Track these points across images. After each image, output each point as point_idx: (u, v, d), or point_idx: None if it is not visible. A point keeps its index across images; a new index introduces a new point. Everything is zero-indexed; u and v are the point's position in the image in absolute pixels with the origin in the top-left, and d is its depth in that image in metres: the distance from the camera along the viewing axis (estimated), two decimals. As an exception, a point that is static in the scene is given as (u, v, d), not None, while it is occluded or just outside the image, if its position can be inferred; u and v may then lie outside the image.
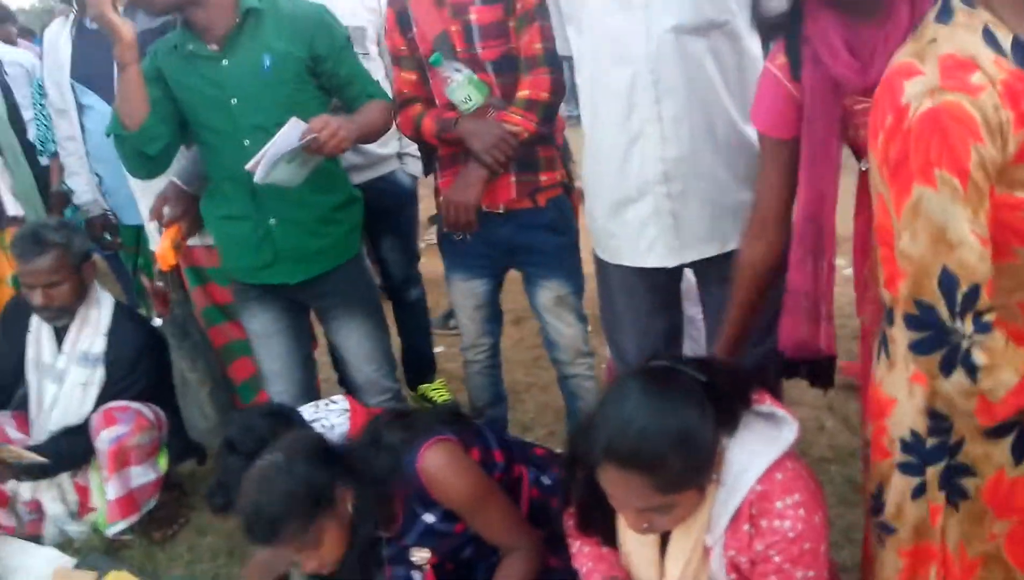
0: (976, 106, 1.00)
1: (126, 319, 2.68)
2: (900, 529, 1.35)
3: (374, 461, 1.72)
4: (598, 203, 1.95)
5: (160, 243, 2.42)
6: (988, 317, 1.07)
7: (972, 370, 1.06)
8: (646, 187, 1.81)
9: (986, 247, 1.04)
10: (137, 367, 2.63)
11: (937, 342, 1.07)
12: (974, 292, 1.04)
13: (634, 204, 1.85)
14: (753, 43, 1.77)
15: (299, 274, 2.29)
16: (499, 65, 2.17)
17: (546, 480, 1.94)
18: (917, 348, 1.10)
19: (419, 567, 1.81)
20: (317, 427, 2.11)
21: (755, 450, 1.36)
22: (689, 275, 2.09)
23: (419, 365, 3.36)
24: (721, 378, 1.39)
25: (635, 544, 1.48)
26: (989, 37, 1.04)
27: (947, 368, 1.08)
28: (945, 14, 1.07)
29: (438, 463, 1.68)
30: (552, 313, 2.44)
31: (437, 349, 3.60)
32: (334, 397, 2.29)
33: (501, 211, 2.27)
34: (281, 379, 2.49)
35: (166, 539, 2.68)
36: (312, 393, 2.56)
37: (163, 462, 2.67)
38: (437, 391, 3.36)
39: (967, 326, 1.05)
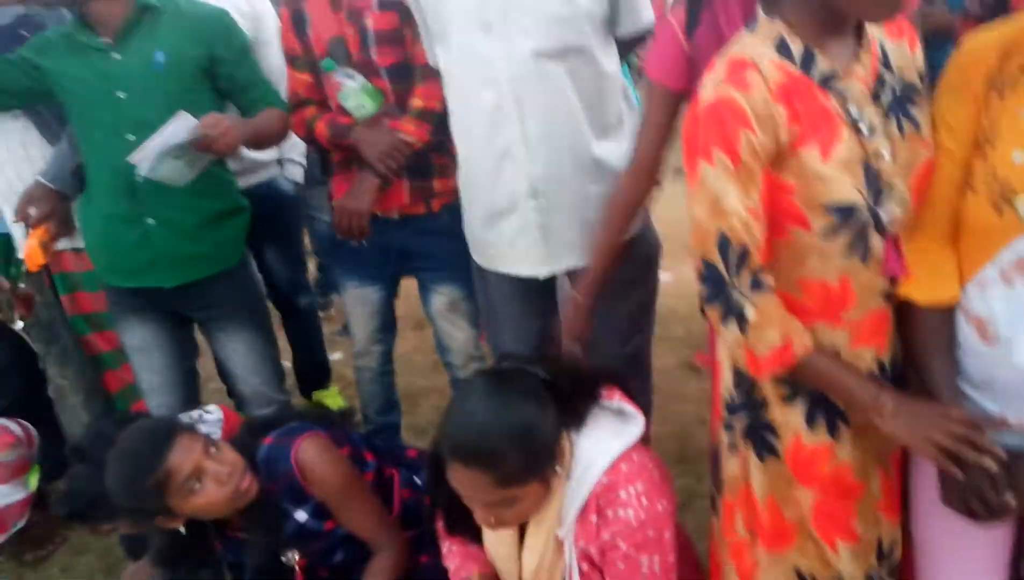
0: (747, 100, 1.16)
1: (-9, 330, 2.56)
2: (725, 483, 1.47)
3: (253, 451, 1.74)
4: (473, 215, 1.99)
5: (27, 243, 2.30)
6: (764, 278, 1.23)
7: (742, 322, 1.23)
8: (516, 201, 1.85)
9: (754, 217, 1.20)
10: (4, 381, 2.52)
11: (718, 294, 1.24)
12: (744, 254, 1.21)
13: (505, 217, 1.89)
14: (610, 62, 1.84)
15: (176, 278, 2.21)
16: (394, 72, 2.16)
17: (418, 480, 1.95)
18: (707, 300, 1.27)
19: (289, 568, 1.80)
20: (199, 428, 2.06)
21: (602, 445, 1.42)
22: (564, 283, 2.13)
23: (313, 373, 3.31)
24: (566, 376, 1.45)
25: (495, 540, 1.51)
26: (782, 45, 1.21)
27: (725, 318, 1.25)
28: (753, 23, 1.26)
29: (312, 453, 1.72)
30: (445, 318, 2.45)
31: (334, 355, 3.57)
32: (208, 407, 2.25)
33: (395, 217, 2.27)
34: (160, 393, 2.40)
35: (38, 560, 2.57)
36: (194, 404, 2.49)
37: (33, 480, 2.55)
38: (331, 398, 3.32)
39: (743, 283, 1.22)
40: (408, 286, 2.57)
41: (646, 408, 1.58)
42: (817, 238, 1.23)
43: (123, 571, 2.44)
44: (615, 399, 1.49)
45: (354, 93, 2.12)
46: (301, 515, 1.76)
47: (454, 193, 2.29)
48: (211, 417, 2.15)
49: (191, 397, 2.52)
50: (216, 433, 2.07)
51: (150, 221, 2.15)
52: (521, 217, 1.86)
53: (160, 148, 1.92)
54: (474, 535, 1.59)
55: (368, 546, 1.80)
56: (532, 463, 1.34)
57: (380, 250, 2.33)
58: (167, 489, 1.59)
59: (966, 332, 1.26)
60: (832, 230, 1.22)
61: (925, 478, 1.34)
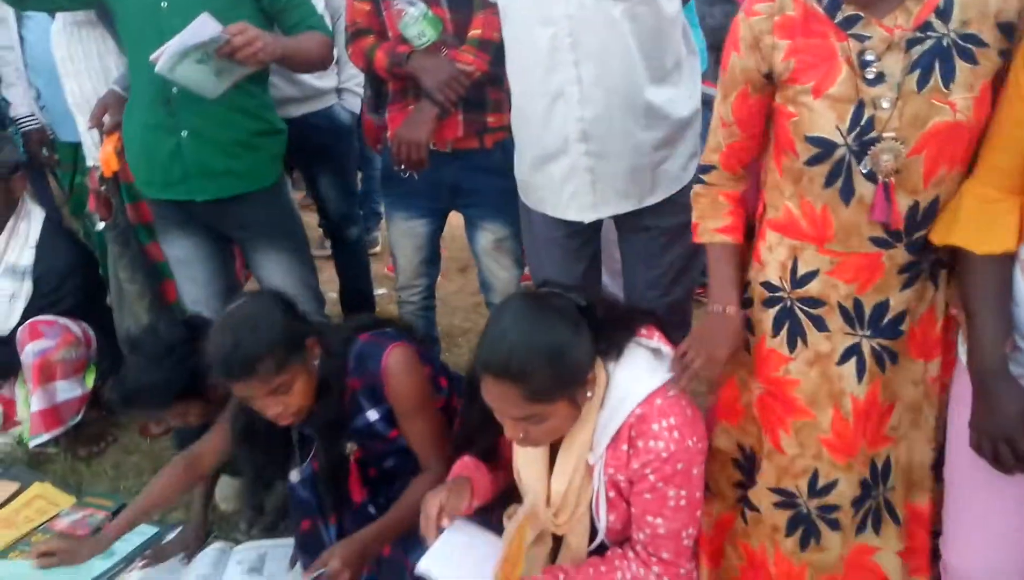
0: (746, 26, 1.39)
1: (56, 234, 2.66)
2: None
3: (334, 335, 1.82)
4: (523, 156, 2.00)
5: (103, 148, 2.38)
6: (707, 174, 1.56)
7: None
8: (566, 145, 1.85)
9: (721, 122, 1.50)
10: (66, 282, 2.62)
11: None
12: (709, 146, 1.55)
13: (555, 160, 1.89)
14: (671, 3, 1.81)
15: (207, 192, 2.24)
16: (454, 1, 2.16)
17: None
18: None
19: (344, 455, 1.88)
20: None
21: (638, 378, 1.45)
22: (609, 229, 2.14)
23: (358, 304, 3.37)
24: (601, 306, 1.49)
25: (525, 461, 1.56)
26: None
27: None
28: None
29: (400, 361, 1.77)
30: (490, 256, 2.48)
31: (379, 291, 3.63)
32: None
33: (448, 150, 2.28)
34: (200, 306, 2.47)
35: (91, 456, 2.70)
36: None
37: (90, 380, 2.68)
38: (374, 331, 3.39)
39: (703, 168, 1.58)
40: (454, 227, 2.59)
41: None
42: (802, 165, 1.38)
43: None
44: (654, 338, 1.52)
45: (415, 21, 2.12)
46: (373, 414, 1.83)
47: (507, 129, 2.28)
48: None
49: None
50: None
51: (184, 133, 2.17)
52: (570, 160, 1.86)
53: (178, 47, 1.93)
54: (490, 454, 1.65)
55: (418, 462, 1.86)
56: (561, 382, 1.38)
57: (431, 184, 2.35)
58: (255, 374, 1.63)
59: (1021, 285, 1.27)
60: (812, 160, 1.36)
61: (961, 421, 1.37)
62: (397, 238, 2.54)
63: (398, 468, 1.91)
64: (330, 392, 1.76)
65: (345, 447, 1.87)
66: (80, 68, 2.42)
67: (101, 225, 2.50)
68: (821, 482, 1.50)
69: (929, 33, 1.26)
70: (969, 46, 1.26)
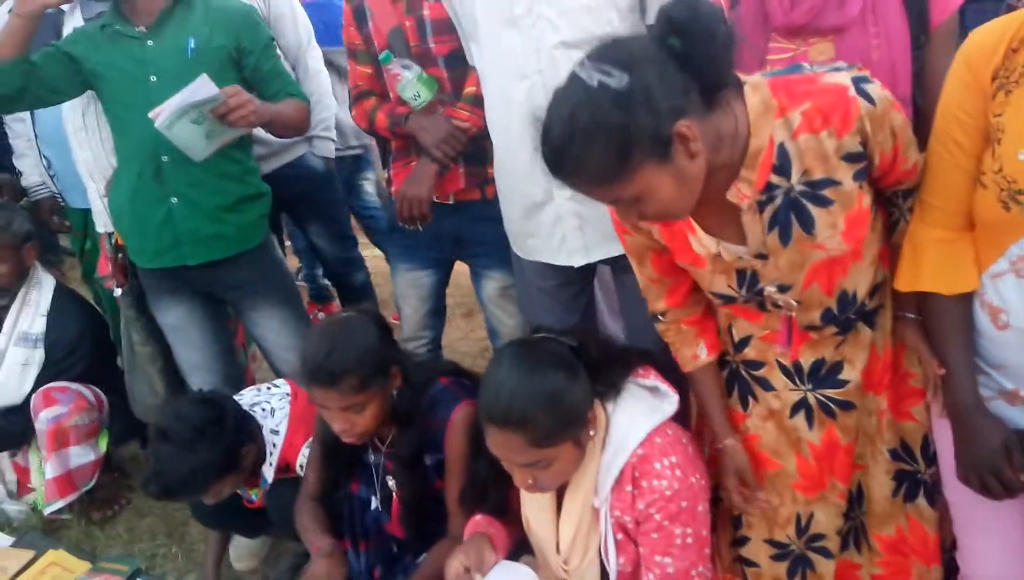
0: (616, 215, 1.38)
1: (66, 301, 2.70)
2: None
3: (417, 369, 1.86)
4: (511, 207, 2.03)
5: None
6: (658, 318, 1.57)
7: None
8: (551, 192, 1.88)
9: (649, 282, 1.53)
10: (77, 348, 2.66)
11: None
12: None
13: (542, 208, 1.92)
14: None
15: (198, 256, 2.31)
16: (450, 60, 2.22)
17: None
18: None
19: (382, 494, 1.91)
20: (257, 411, 2.15)
21: (637, 418, 1.47)
22: (604, 275, 2.16)
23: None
24: (595, 348, 1.51)
25: (534, 509, 1.56)
26: None
27: None
28: None
29: (469, 420, 1.78)
30: (496, 304, 2.50)
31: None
32: (276, 381, 2.33)
33: (451, 202, 2.33)
34: (200, 370, 2.51)
35: (105, 520, 2.71)
36: (236, 382, 2.57)
37: (103, 443, 2.69)
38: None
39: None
40: (458, 274, 2.63)
41: (683, 386, 1.62)
42: (717, 303, 1.45)
43: (185, 534, 2.58)
44: (650, 377, 1.54)
45: (410, 83, 2.19)
46: (428, 459, 1.85)
47: None
48: (279, 390, 2.23)
49: (233, 374, 2.61)
50: (284, 408, 2.16)
51: (173, 200, 2.24)
52: (557, 207, 1.89)
53: (179, 104, 2.01)
54: (500, 508, 1.66)
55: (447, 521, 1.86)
56: (562, 424, 1.39)
57: (434, 235, 2.39)
58: (337, 386, 1.69)
59: (981, 318, 1.29)
60: (724, 304, 1.43)
61: (947, 452, 1.39)
62: (403, 289, 2.56)
63: (430, 523, 1.90)
64: (412, 423, 1.80)
65: (389, 483, 1.89)
66: (92, 137, 2.48)
67: (118, 291, 2.53)
68: (803, 521, 1.53)
69: (774, 193, 1.27)
70: (819, 192, 1.26)
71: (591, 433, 1.45)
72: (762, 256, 1.31)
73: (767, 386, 1.48)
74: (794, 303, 1.34)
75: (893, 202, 1.38)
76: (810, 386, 1.45)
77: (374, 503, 1.94)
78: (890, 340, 1.45)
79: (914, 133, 1.31)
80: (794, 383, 1.46)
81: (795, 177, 1.24)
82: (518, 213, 2.00)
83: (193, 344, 2.49)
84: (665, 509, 1.41)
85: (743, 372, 1.51)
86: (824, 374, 1.44)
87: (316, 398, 1.73)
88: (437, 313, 2.64)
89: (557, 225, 1.91)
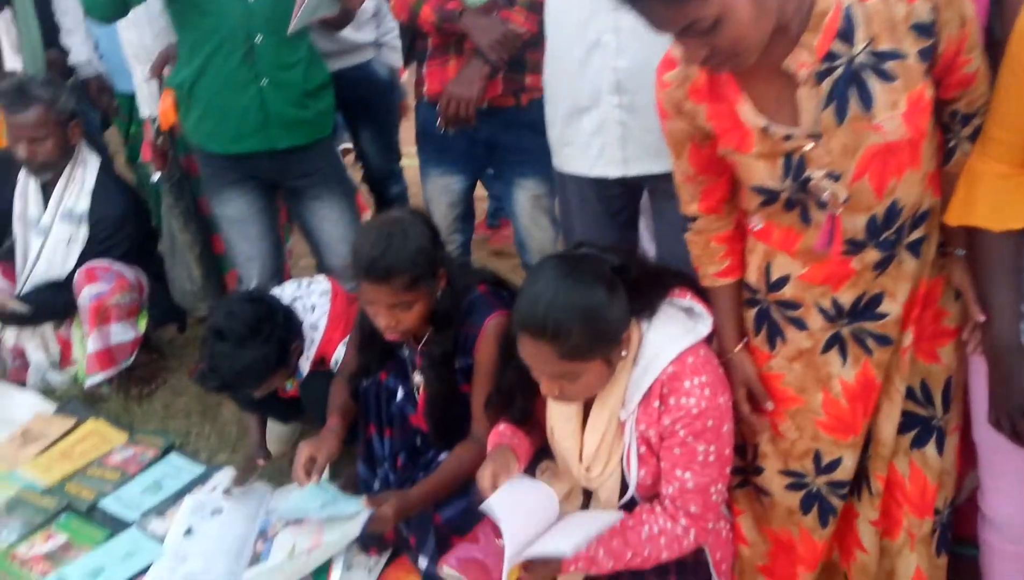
0: (663, 95, 1.41)
1: (111, 181, 2.73)
2: None
3: (460, 273, 1.88)
4: (556, 110, 1.98)
5: (162, 101, 2.44)
6: (690, 223, 1.54)
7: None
8: (598, 96, 1.83)
9: (683, 179, 1.51)
10: (120, 229, 2.70)
11: None
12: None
13: (587, 113, 1.87)
14: None
15: (284, 140, 2.33)
16: None
17: None
18: None
19: (415, 389, 1.96)
20: (298, 306, 2.19)
21: (671, 336, 1.46)
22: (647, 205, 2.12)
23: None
24: (637, 267, 1.49)
25: (559, 419, 1.59)
26: None
27: None
28: None
29: (498, 330, 1.80)
30: (528, 215, 2.49)
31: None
32: (316, 277, 2.37)
33: (484, 107, 2.29)
34: (254, 263, 2.55)
35: (143, 396, 2.81)
36: (281, 275, 2.63)
37: (142, 324, 2.77)
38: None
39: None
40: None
41: None
42: (757, 204, 1.39)
43: (217, 414, 2.67)
44: (687, 298, 1.53)
45: None
46: (457, 363, 1.89)
47: (542, 89, 2.28)
48: (318, 287, 2.26)
49: (279, 267, 2.67)
50: (324, 305, 2.19)
51: (264, 82, 2.24)
52: (602, 113, 1.85)
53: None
54: (524, 417, 1.68)
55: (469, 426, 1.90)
56: (596, 341, 1.40)
57: (467, 140, 2.37)
58: (389, 282, 1.72)
59: None
60: (763, 204, 1.38)
61: (979, 392, 1.38)
62: (432, 194, 2.56)
63: (454, 421, 1.94)
64: (448, 327, 1.83)
65: (415, 379, 1.94)
66: (140, 19, 2.46)
67: (157, 176, 2.56)
68: (825, 460, 1.51)
69: (835, 62, 1.21)
70: (883, 65, 1.19)
71: (623, 353, 1.46)
72: (815, 136, 1.25)
73: (800, 325, 1.45)
74: (842, 196, 1.28)
75: (950, 128, 1.32)
76: (847, 321, 1.42)
77: (400, 394, 1.99)
78: (929, 274, 1.41)
79: (989, 64, 1.25)
80: (831, 322, 1.43)
81: (859, 45, 1.19)
82: (562, 117, 1.95)
83: (250, 236, 2.52)
84: (691, 426, 1.42)
85: (775, 312, 1.48)
86: (863, 307, 1.40)
87: (366, 293, 1.76)
88: (467, 218, 2.64)
89: (598, 133, 1.87)
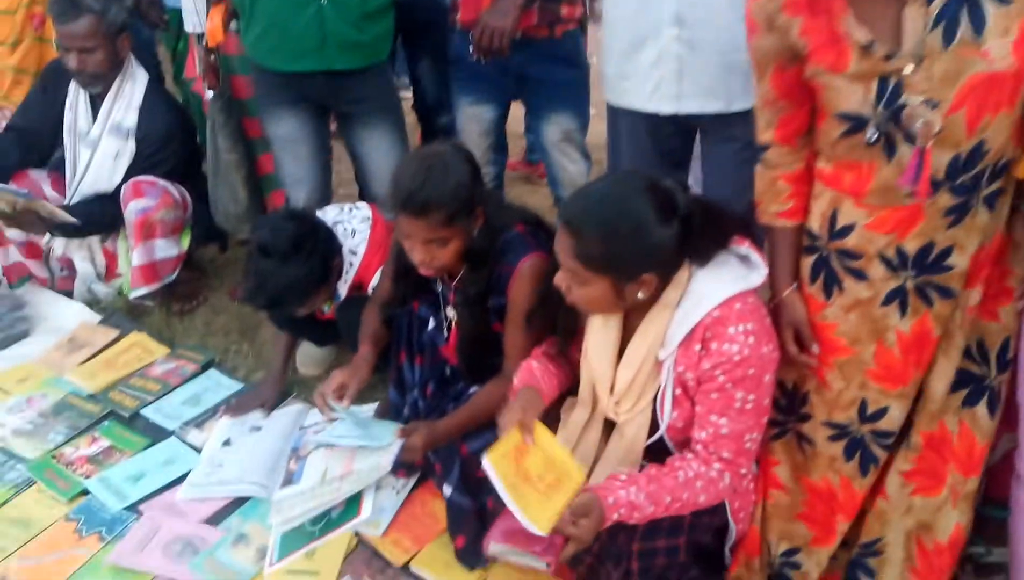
0: (756, 7, 1.36)
1: (158, 97, 2.74)
2: None
3: (498, 212, 1.85)
4: (615, 42, 1.94)
5: (210, 17, 2.42)
6: (764, 153, 1.49)
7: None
8: (659, 28, 1.79)
9: (762, 102, 1.46)
10: (166, 146, 2.71)
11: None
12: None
13: (645, 45, 1.83)
14: None
15: (341, 61, 2.31)
16: None
17: None
18: None
19: (446, 322, 1.98)
20: (339, 229, 2.21)
21: (721, 280, 1.43)
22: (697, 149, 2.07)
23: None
24: (700, 214, 1.43)
25: (596, 348, 1.58)
26: None
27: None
28: None
29: (535, 271, 1.79)
30: (558, 149, 2.47)
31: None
32: (358, 203, 2.37)
33: (518, 37, 2.24)
34: (303, 184, 2.56)
35: (184, 312, 2.87)
36: (328, 199, 2.64)
37: (186, 241, 2.80)
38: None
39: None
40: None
41: None
42: (838, 134, 1.33)
43: (256, 334, 2.73)
44: (745, 245, 1.50)
45: None
46: (491, 302, 1.89)
47: (577, 21, 2.30)
48: (360, 213, 2.27)
49: (327, 191, 2.68)
50: (364, 232, 2.20)
51: (324, 0, 2.21)
52: (660, 46, 1.80)
53: None
54: (571, 337, 1.67)
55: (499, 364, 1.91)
56: (610, 259, 1.38)
57: (498, 69, 2.34)
58: (425, 217, 1.71)
59: None
60: (846, 133, 1.31)
61: None
62: (464, 123, 2.55)
63: (483, 358, 1.95)
64: (482, 264, 1.82)
65: (448, 314, 1.95)
66: None
67: (210, 94, 2.55)
68: (871, 409, 1.49)
69: None
70: None
71: (640, 295, 1.43)
72: (917, 59, 1.20)
73: (860, 276, 1.42)
74: (936, 126, 1.21)
75: None
76: (913, 272, 1.38)
77: (431, 324, 2.01)
78: (1002, 229, 1.36)
79: None
80: (894, 272, 1.39)
81: None
82: (621, 49, 1.91)
83: (300, 157, 2.53)
84: (731, 372, 1.40)
85: (834, 261, 1.44)
86: (932, 260, 1.36)
87: (402, 226, 1.74)
88: (499, 148, 2.63)
89: (656, 67, 1.83)
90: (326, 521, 1.89)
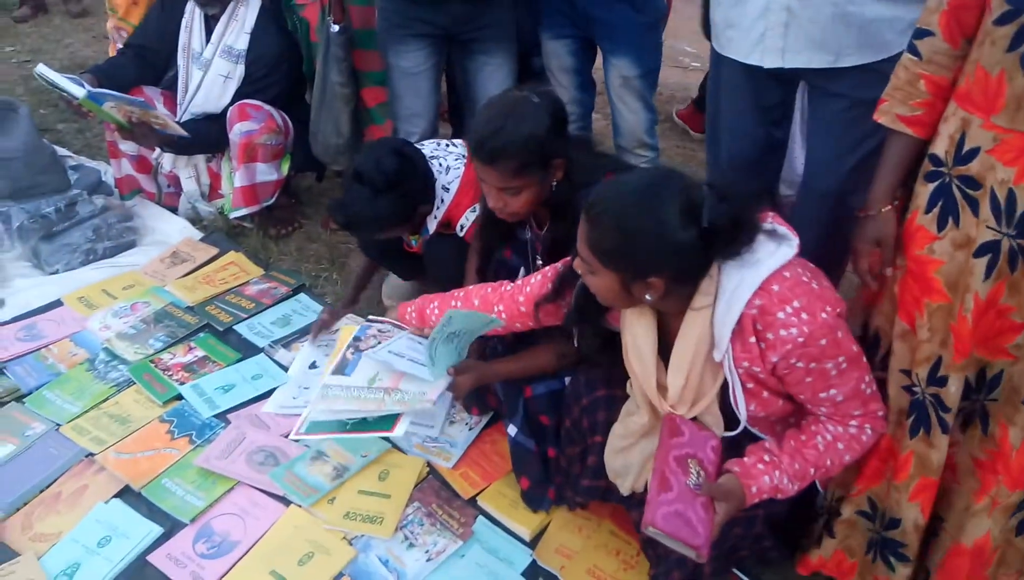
0: None
1: (270, 23, 2.78)
2: None
3: (585, 165, 1.80)
4: None
5: None
6: (919, 42, 1.38)
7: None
8: None
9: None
10: (274, 72, 2.77)
11: None
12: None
13: None
14: None
15: None
16: None
17: None
18: None
19: (534, 270, 1.94)
20: (433, 165, 2.21)
21: (750, 267, 1.35)
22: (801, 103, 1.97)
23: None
24: (727, 221, 1.32)
25: (635, 354, 1.51)
26: None
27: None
28: None
29: None
30: (617, 94, 2.42)
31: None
32: (454, 140, 2.37)
33: None
34: (420, 119, 2.58)
35: (279, 237, 2.96)
36: (436, 136, 2.65)
37: (285, 167, 2.88)
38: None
39: None
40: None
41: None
42: (991, 23, 1.24)
43: (345, 263, 2.79)
44: (768, 219, 1.40)
45: None
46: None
47: None
48: (456, 150, 2.27)
49: (436, 126, 2.69)
50: (458, 168, 2.20)
51: None
52: None
53: None
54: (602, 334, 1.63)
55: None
56: (623, 256, 1.34)
57: (569, 6, 2.32)
58: (494, 165, 1.71)
59: None
60: (1002, 19, 1.23)
61: None
62: (546, 59, 2.54)
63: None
64: (563, 217, 1.79)
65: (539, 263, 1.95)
66: None
67: (336, 28, 2.55)
68: (941, 371, 1.41)
69: None
70: None
71: (648, 297, 1.37)
72: None
73: (976, 209, 1.33)
74: None
75: None
76: (1013, 232, 1.29)
77: (521, 273, 2.00)
78: None
79: None
80: (997, 223, 1.30)
81: None
82: None
83: (421, 91, 2.54)
84: (805, 354, 1.33)
85: (955, 189, 1.35)
86: None
87: (477, 170, 1.76)
88: (583, 87, 2.59)
89: (762, 18, 1.74)
90: (361, 420, 1.89)
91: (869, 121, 1.51)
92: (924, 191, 1.40)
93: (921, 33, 1.38)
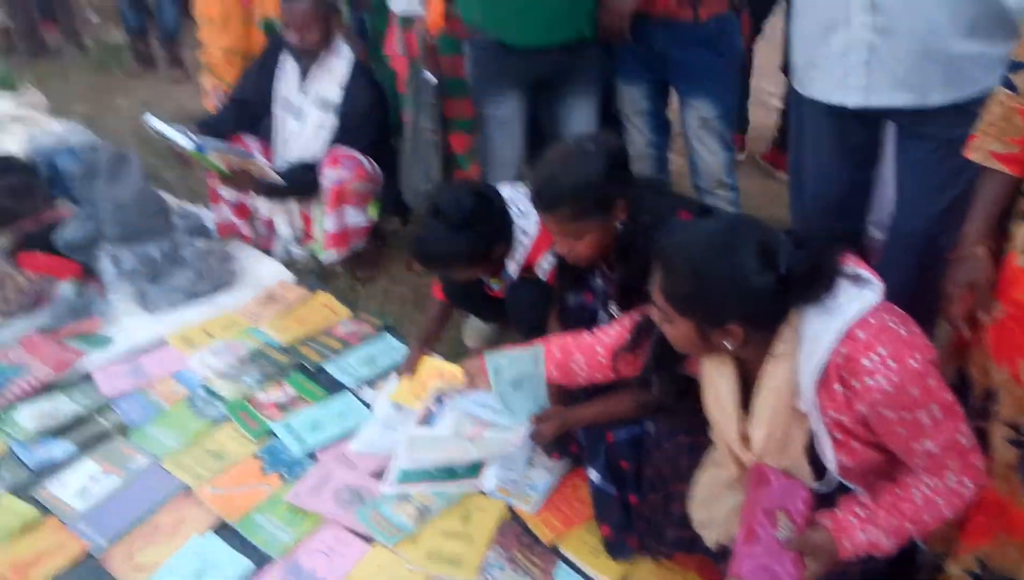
0: None
1: (361, 75, 2.90)
2: None
3: (650, 205, 1.81)
4: (802, 26, 1.84)
5: (432, 7, 2.54)
6: (1015, 76, 1.34)
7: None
8: (849, 13, 1.68)
9: None
10: (365, 123, 2.89)
11: None
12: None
13: (835, 31, 1.72)
14: None
15: (589, 29, 2.34)
16: None
17: None
18: None
19: (608, 314, 1.99)
20: (512, 208, 2.26)
21: (832, 314, 1.30)
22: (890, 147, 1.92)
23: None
24: (804, 267, 1.30)
25: (716, 404, 1.49)
26: None
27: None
28: None
29: None
30: (696, 136, 2.42)
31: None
32: None
33: (660, 17, 2.22)
34: (508, 168, 2.63)
35: (367, 279, 3.06)
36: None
37: (373, 212, 2.98)
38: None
39: None
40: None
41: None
42: None
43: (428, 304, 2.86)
44: (849, 264, 1.36)
45: None
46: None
47: (728, 4, 2.24)
48: None
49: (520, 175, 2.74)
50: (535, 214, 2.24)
51: None
52: (851, 33, 1.69)
53: None
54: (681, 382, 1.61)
55: None
56: (696, 303, 1.31)
57: (646, 49, 2.33)
58: (552, 212, 1.76)
59: None
60: None
61: None
62: (620, 103, 2.57)
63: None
64: (632, 258, 1.80)
65: (612, 310, 1.95)
66: None
67: (434, 80, 2.63)
68: None
69: None
70: None
71: (726, 343, 1.35)
72: None
73: None
74: None
75: None
76: None
77: (601, 318, 2.01)
78: None
79: None
80: None
81: None
82: (809, 35, 1.82)
83: (513, 140, 2.59)
84: (895, 404, 1.28)
85: None
86: None
87: (540, 218, 1.81)
88: (659, 129, 2.60)
89: (844, 56, 1.72)
90: (449, 470, 1.99)
91: (959, 158, 1.48)
92: (1021, 231, 1.35)
93: (1016, 66, 1.34)
